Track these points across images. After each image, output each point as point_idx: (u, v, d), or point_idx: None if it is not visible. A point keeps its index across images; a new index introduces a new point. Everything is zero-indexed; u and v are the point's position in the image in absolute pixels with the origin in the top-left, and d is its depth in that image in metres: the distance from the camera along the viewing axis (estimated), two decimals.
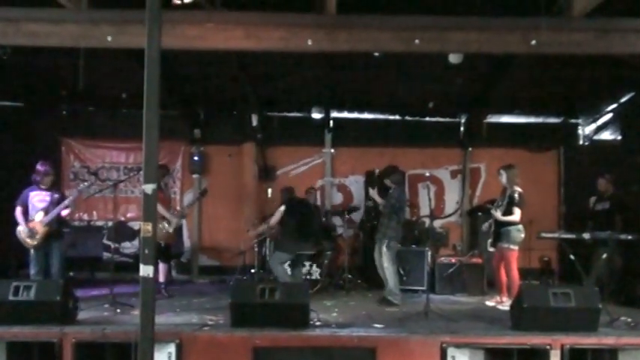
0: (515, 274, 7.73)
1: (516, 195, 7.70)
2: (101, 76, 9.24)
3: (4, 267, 9.16)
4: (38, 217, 7.32)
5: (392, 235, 7.96)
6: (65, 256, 7.71)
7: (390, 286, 7.97)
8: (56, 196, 7.50)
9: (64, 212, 7.50)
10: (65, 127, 11.55)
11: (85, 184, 7.72)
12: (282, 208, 8.39)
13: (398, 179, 8.28)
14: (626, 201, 8.71)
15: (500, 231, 7.81)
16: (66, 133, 11.64)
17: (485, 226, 8.30)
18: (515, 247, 7.76)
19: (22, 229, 7.31)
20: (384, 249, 7.96)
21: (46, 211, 7.34)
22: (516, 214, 7.67)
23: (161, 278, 8.20)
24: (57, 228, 7.45)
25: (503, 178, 7.96)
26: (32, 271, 7.38)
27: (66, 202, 7.41)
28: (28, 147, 10.17)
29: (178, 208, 9.64)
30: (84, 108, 11.30)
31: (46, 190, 7.50)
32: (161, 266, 8.18)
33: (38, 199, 7.44)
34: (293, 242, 8.26)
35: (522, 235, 7.79)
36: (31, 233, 7.26)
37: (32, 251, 7.35)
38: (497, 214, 7.76)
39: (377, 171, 8.35)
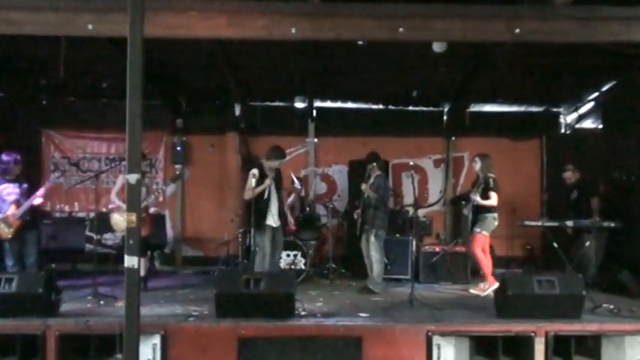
0: (480, 255, 7.88)
1: (491, 180, 7.78)
2: (82, 65, 9.10)
3: None
4: (10, 210, 7.21)
5: (380, 225, 8.07)
6: (45, 247, 7.59)
7: (373, 274, 8.03)
8: (25, 186, 7.39)
9: (36, 202, 7.35)
10: (45, 118, 11.43)
11: (56, 174, 7.56)
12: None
13: (381, 166, 8.34)
14: (591, 184, 8.94)
15: (477, 217, 7.92)
16: (46, 124, 11.50)
17: (467, 209, 8.35)
18: (487, 233, 7.88)
19: None
20: (372, 238, 8.03)
21: (18, 202, 7.26)
22: (493, 198, 7.76)
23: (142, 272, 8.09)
24: (31, 219, 7.36)
25: (477, 166, 8.07)
26: (9, 263, 7.30)
27: (37, 193, 7.28)
28: (7, 138, 10.00)
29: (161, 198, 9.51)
30: (64, 98, 11.17)
31: (14, 181, 7.37)
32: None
33: (7, 192, 7.31)
34: None
35: (496, 223, 7.92)
36: (6, 224, 7.18)
37: (7, 243, 7.28)
38: (477, 198, 7.83)
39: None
